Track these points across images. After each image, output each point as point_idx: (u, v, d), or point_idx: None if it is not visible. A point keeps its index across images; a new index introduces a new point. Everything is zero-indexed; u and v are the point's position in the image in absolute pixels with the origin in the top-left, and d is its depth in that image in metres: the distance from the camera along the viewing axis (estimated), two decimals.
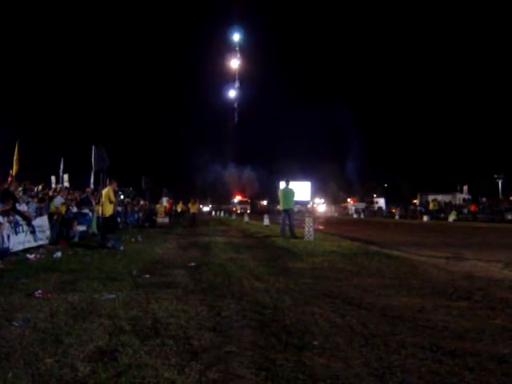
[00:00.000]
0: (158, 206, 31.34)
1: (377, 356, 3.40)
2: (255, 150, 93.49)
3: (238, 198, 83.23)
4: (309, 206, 72.07)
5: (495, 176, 58.19)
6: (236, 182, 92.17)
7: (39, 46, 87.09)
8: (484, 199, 50.83)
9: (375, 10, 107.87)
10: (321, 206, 69.86)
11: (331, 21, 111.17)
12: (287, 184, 16.16)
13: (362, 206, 64.96)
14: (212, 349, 3.56)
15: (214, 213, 71.46)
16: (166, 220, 26.07)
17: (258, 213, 60.07)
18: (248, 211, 65.86)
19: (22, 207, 11.43)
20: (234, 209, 71.11)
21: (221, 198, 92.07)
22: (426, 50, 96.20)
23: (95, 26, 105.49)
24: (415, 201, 61.78)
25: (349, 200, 74.33)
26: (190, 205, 30.11)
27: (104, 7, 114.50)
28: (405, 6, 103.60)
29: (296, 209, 36.11)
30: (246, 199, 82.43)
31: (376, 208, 63.29)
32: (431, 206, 43.47)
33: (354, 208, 63.52)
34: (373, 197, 73.37)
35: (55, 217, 12.87)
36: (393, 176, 79.48)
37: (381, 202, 68.06)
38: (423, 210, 45.08)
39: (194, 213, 30.71)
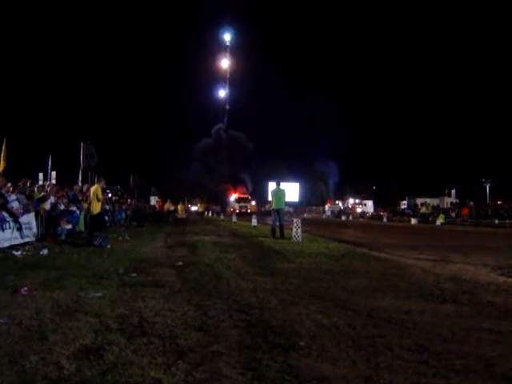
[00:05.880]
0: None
1: (363, 357, 3.40)
2: (244, 151, 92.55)
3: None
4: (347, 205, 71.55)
5: (483, 180, 58.89)
6: (227, 178, 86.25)
7: (27, 43, 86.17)
8: (471, 203, 51.42)
9: (364, 6, 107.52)
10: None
11: (320, 19, 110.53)
12: (278, 185, 16.44)
13: (337, 208, 65.76)
14: (198, 348, 3.54)
15: (206, 213, 67.48)
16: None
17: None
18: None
19: (14, 204, 11.34)
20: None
21: (212, 197, 79.23)
22: (418, 52, 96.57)
23: (83, 23, 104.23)
24: (403, 203, 62.36)
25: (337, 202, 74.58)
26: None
27: (92, 4, 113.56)
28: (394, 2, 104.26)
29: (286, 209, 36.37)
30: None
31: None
32: (423, 210, 43.68)
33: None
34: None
35: (41, 213, 12.76)
36: (381, 178, 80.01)
37: (369, 204, 68.68)
38: (411, 212, 45.44)
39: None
